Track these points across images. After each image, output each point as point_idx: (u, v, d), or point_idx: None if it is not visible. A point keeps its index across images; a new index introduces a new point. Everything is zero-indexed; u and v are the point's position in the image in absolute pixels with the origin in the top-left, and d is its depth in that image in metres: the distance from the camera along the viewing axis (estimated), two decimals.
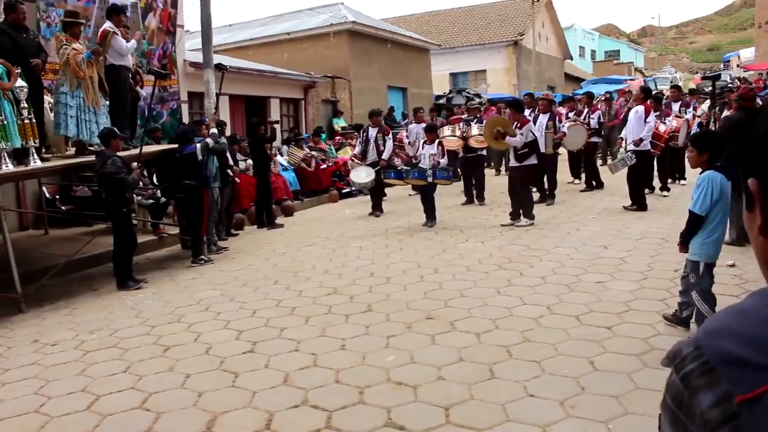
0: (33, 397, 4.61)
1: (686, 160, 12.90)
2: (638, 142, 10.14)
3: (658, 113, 11.69)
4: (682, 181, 12.89)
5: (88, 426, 4.07)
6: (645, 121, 10.24)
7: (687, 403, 0.85)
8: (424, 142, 10.67)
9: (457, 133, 12.11)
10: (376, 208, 11.97)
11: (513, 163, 9.92)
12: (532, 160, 9.80)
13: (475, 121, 12.65)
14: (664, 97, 14.95)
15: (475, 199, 12.34)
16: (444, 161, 10.44)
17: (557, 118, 12.14)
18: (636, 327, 5.20)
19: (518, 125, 9.69)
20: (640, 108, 10.30)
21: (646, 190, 10.96)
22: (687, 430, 0.85)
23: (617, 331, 5.14)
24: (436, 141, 10.62)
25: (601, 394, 4.05)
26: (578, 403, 3.94)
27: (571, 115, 13.50)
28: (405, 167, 11.57)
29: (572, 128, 12.20)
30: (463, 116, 13.89)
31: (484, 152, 12.52)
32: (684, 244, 4.85)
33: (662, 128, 10.88)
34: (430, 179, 10.09)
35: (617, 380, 4.23)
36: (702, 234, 4.72)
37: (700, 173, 4.76)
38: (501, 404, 3.98)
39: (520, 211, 9.79)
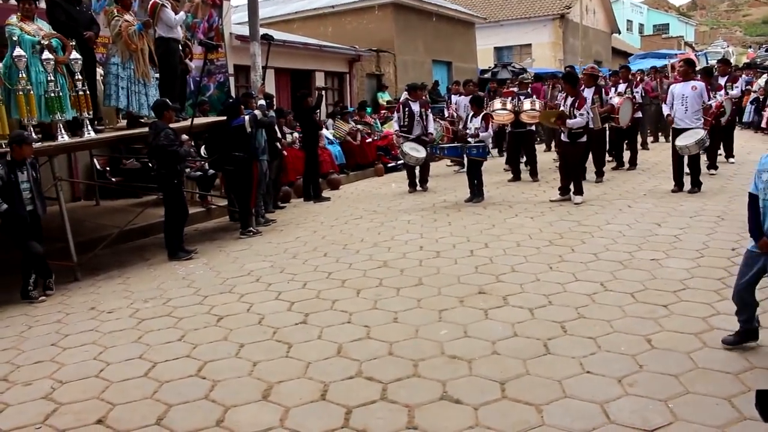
0: (93, 362, 4.73)
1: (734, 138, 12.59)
2: (707, 108, 9.67)
3: (708, 87, 11.28)
4: (731, 159, 12.49)
5: (147, 392, 4.15)
6: (709, 98, 9.83)
7: None
8: (472, 115, 10.49)
9: (509, 106, 11.87)
10: (424, 182, 11.90)
11: (565, 139, 9.67)
12: (584, 138, 9.65)
13: (525, 96, 12.36)
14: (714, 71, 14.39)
15: (529, 175, 12.09)
16: (486, 134, 10.27)
17: (603, 91, 11.80)
18: (694, 305, 5.09)
19: (577, 105, 9.43)
20: (699, 84, 9.78)
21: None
22: None
23: (674, 310, 5.03)
24: (482, 114, 10.42)
25: (660, 372, 3.98)
26: (637, 381, 3.88)
27: (616, 89, 13.16)
28: (441, 144, 11.45)
29: (623, 104, 11.88)
30: (514, 90, 13.60)
31: (534, 127, 12.24)
32: None
33: (712, 103, 10.50)
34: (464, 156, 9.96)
35: (676, 359, 4.16)
36: None
37: None
38: (557, 380, 3.94)
39: (570, 187, 9.62)
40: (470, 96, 12.03)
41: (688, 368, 4.01)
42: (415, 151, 10.97)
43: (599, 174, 11.44)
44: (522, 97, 12.19)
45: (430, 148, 10.79)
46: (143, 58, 8.40)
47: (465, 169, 10.64)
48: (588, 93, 11.10)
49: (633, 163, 12.61)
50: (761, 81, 17.55)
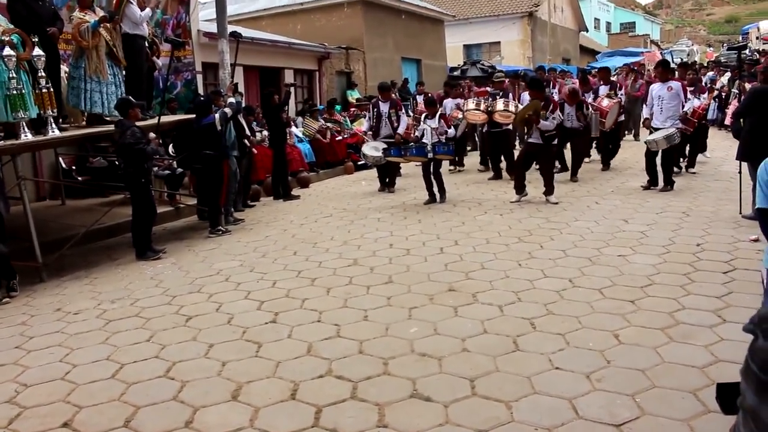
0: (58, 364, 4.65)
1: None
2: (683, 116, 9.72)
3: (693, 88, 11.36)
4: (707, 154, 12.63)
5: (114, 394, 4.09)
6: (686, 98, 9.86)
7: None
8: (426, 116, 10.29)
9: (482, 106, 11.86)
10: (391, 184, 11.76)
11: (536, 140, 9.46)
12: (555, 140, 9.67)
13: (500, 95, 12.26)
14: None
15: (506, 172, 11.99)
16: (450, 132, 10.19)
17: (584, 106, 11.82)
18: (660, 301, 5.16)
19: (551, 108, 9.32)
20: (675, 84, 9.74)
21: (675, 169, 10.55)
22: None
23: (641, 305, 5.09)
24: (438, 114, 10.25)
25: (628, 367, 4.02)
26: (604, 376, 3.92)
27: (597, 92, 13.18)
28: (408, 144, 11.39)
29: (612, 107, 11.88)
30: (488, 89, 13.56)
31: (510, 127, 12.13)
32: None
33: (696, 103, 10.56)
34: (430, 155, 9.86)
35: (643, 354, 4.20)
36: None
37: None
38: (527, 376, 3.96)
39: (525, 184, 9.59)
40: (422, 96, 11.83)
41: (655, 363, 4.06)
42: (375, 151, 10.90)
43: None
44: (496, 97, 12.16)
45: (392, 150, 10.53)
46: (97, 55, 8.19)
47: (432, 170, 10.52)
48: (570, 109, 11.14)
49: (606, 164, 12.58)
50: (724, 79, 17.85)
